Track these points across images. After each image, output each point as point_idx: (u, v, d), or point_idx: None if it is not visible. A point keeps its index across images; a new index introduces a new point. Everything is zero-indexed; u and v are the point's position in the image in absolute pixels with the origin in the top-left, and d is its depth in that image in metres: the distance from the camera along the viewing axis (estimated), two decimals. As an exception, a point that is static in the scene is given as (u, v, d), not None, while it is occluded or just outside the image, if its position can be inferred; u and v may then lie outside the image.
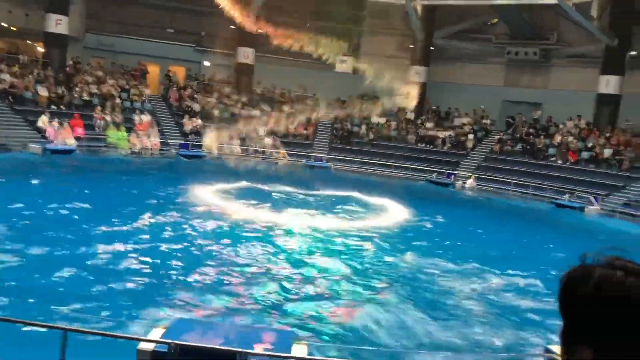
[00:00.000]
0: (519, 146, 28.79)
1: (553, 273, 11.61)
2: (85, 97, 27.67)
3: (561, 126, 28.82)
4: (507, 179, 26.38)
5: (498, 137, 29.93)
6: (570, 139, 27.43)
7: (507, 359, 7.71)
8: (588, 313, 0.96)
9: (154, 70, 34.23)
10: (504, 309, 9.28)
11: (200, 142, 28.32)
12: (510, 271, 11.59)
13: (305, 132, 31.44)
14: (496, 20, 32.59)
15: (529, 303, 9.65)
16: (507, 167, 27.65)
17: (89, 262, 9.36)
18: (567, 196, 23.79)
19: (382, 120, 32.25)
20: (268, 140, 29.75)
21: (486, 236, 15.89)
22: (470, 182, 26.24)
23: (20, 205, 12.90)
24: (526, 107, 32.07)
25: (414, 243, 13.52)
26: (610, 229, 19.16)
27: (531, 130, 29.46)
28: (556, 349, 5.82)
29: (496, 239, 15.44)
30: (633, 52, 27.69)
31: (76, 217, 12.54)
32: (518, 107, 32.25)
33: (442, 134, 30.73)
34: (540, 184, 25.59)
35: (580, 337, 0.98)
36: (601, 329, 0.95)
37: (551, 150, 27.67)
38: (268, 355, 4.99)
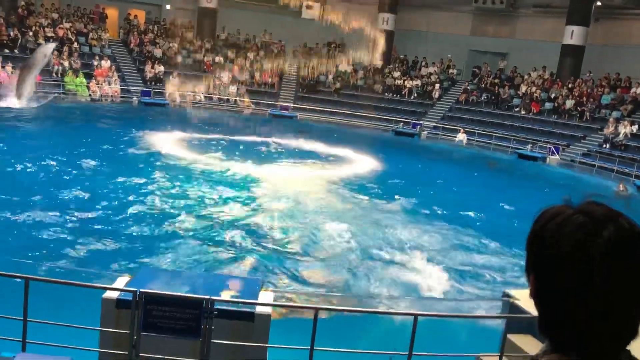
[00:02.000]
0: (484, 96, 29.00)
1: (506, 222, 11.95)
2: (41, 40, 26.45)
3: (526, 77, 29.06)
4: (471, 129, 26.66)
5: (464, 87, 30.05)
6: (534, 89, 27.75)
7: (467, 301, 7.95)
8: (533, 242, 1.04)
9: (112, 14, 32.81)
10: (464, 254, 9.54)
11: (162, 89, 27.62)
12: (465, 213, 11.85)
13: (270, 80, 30.92)
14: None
15: (488, 258, 9.92)
16: (472, 117, 27.91)
17: (52, 214, 9.17)
18: (529, 146, 24.26)
19: (349, 69, 31.92)
20: (232, 89, 29.18)
21: (451, 186, 16.13)
22: (460, 136, 26.02)
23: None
24: (492, 57, 32.14)
25: (372, 191, 13.66)
26: (568, 178, 19.70)
27: (496, 80, 29.65)
28: (514, 292, 6.03)
29: (458, 189, 15.71)
30: (598, 3, 27.82)
31: (34, 168, 12.20)
32: (484, 56, 32.29)
33: (409, 84, 30.66)
34: (504, 134, 25.97)
35: (529, 266, 1.05)
36: (537, 258, 1.03)
37: (515, 101, 27.99)
38: (235, 301, 5.01)
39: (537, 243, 1.03)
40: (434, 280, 8.19)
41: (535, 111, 26.95)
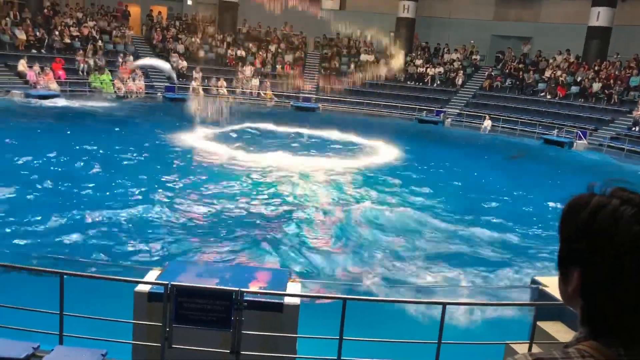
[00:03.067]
0: (508, 82, 28.60)
1: (538, 207, 11.83)
2: (66, 40, 26.91)
3: (551, 60, 28.54)
4: (496, 115, 26.32)
5: (487, 72, 29.66)
6: (560, 73, 27.25)
7: (496, 290, 7.91)
8: (581, 237, 1.00)
9: (135, 11, 33.18)
10: (491, 243, 9.48)
11: (186, 84, 27.87)
12: (494, 204, 11.76)
13: (292, 72, 30.93)
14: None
15: (515, 238, 9.85)
16: (497, 104, 27.56)
17: (85, 210, 9.37)
18: (555, 131, 23.87)
19: (371, 57, 31.74)
20: (255, 82, 29.29)
21: (473, 172, 15.99)
22: (485, 123, 25.75)
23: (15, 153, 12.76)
24: (516, 41, 31.62)
25: (398, 180, 13.61)
26: (596, 163, 19.36)
27: (520, 65, 29.19)
28: (543, 279, 5.98)
29: (482, 176, 15.56)
30: (625, -17, 27.16)
31: (66, 164, 12.45)
32: (508, 41, 31.79)
33: (431, 71, 30.38)
34: (529, 119, 25.58)
35: (573, 260, 1.02)
36: (590, 252, 0.99)
37: (540, 85, 27.54)
38: (264, 292, 5.07)
39: (586, 236, 1.00)
40: (459, 269, 8.17)
41: (561, 95, 26.49)
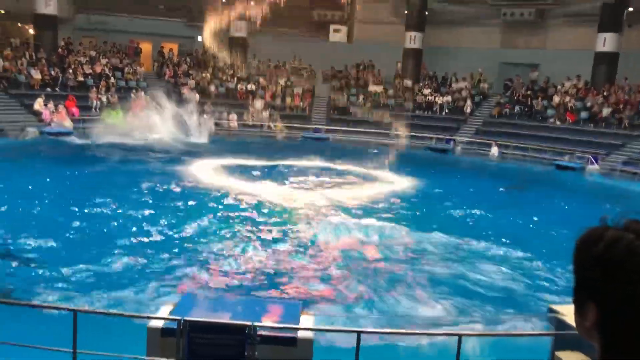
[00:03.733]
0: (517, 109, 28.66)
1: (554, 237, 11.71)
2: (80, 77, 27.45)
3: (559, 87, 28.61)
4: (506, 142, 26.30)
5: (496, 100, 29.76)
6: (569, 99, 27.28)
7: (511, 317, 7.79)
8: (597, 271, 1.01)
9: (146, 48, 33.87)
10: (507, 272, 9.36)
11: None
12: (509, 237, 11.65)
13: (301, 104, 31.24)
14: (490, -19, 32.09)
15: (531, 264, 9.73)
16: (507, 130, 27.56)
17: (96, 245, 9.42)
18: (567, 157, 23.78)
19: (379, 88, 32.01)
20: (265, 114, 29.58)
21: (487, 200, 15.90)
22: (493, 150, 25.85)
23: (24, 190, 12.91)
24: (524, 68, 31.78)
25: (418, 211, 13.55)
26: (611, 188, 19.21)
27: (529, 92, 29.28)
28: (560, 308, 5.89)
29: (497, 203, 15.47)
30: (630, 9, 27.34)
31: (80, 200, 12.56)
32: (515, 68, 31.96)
33: (439, 100, 30.54)
34: (540, 145, 25.51)
35: (589, 294, 1.02)
36: (606, 286, 1.00)
37: (550, 112, 27.54)
38: (277, 327, 5.04)
39: (602, 270, 1.00)
40: (472, 298, 8.07)
41: (570, 121, 26.47)
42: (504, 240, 11.23)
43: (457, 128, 29.10)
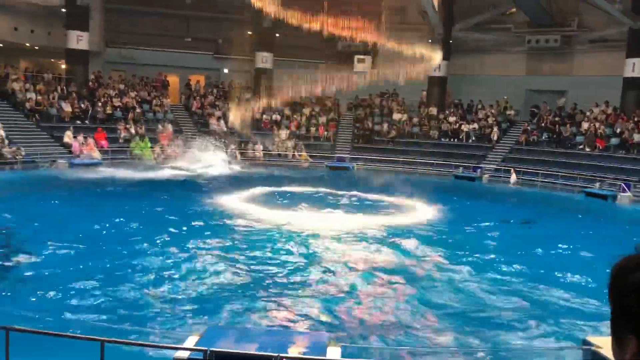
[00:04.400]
0: (545, 136, 28.35)
1: (590, 265, 11.43)
2: (109, 110, 28.10)
3: (588, 113, 28.25)
4: (534, 169, 25.97)
5: (523, 127, 29.51)
6: (598, 125, 26.89)
7: (544, 350, 7.55)
8: (633, 298, 0.97)
9: (174, 80, 34.63)
10: (540, 302, 9.12)
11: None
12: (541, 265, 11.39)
13: (326, 133, 31.41)
14: (514, 9, 32.13)
15: (566, 295, 9.46)
16: (534, 158, 27.24)
17: (123, 273, 9.47)
18: (597, 184, 23.31)
19: (404, 117, 32.05)
20: (289, 144, 29.80)
21: (519, 229, 15.63)
22: (512, 178, 25.64)
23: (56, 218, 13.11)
24: (550, 95, 31.55)
25: (450, 241, 13.35)
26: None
27: (557, 118, 28.96)
28: (595, 340, 5.69)
29: (530, 233, 15.18)
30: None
31: (114, 230, 12.71)
32: (542, 95, 31.75)
33: (465, 127, 30.41)
34: (569, 173, 25.10)
35: (629, 325, 0.98)
36: None
37: (578, 138, 27.16)
38: (303, 358, 4.96)
39: (638, 294, 0.97)
40: (504, 328, 7.85)
41: (600, 147, 26.04)
42: (531, 269, 10.97)
43: (484, 156, 28.87)
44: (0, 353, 4.70)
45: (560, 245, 13.25)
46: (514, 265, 11.12)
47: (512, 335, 7.72)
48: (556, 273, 10.71)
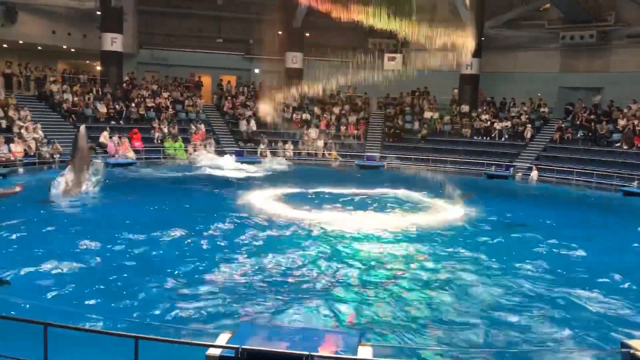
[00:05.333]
0: (580, 133, 27.75)
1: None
2: (142, 111, 28.59)
3: (625, 110, 27.54)
4: (569, 168, 25.45)
5: (557, 125, 28.94)
6: (636, 122, 26.19)
7: (580, 353, 7.39)
8: None
9: (206, 80, 35.05)
10: (574, 304, 8.93)
11: (254, 148, 28.80)
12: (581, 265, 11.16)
13: (356, 132, 31.36)
14: (548, 5, 31.53)
15: (602, 297, 9.24)
16: (569, 156, 26.70)
17: (160, 271, 9.63)
18: (635, 183, 22.70)
19: (435, 115, 31.77)
20: (320, 143, 29.86)
21: (560, 228, 15.31)
22: (533, 174, 25.35)
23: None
24: (585, 92, 30.87)
25: (489, 241, 13.17)
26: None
27: (592, 116, 28.31)
28: (635, 343, 5.55)
29: (566, 231, 14.86)
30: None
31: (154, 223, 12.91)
32: (576, 93, 31.09)
33: (498, 126, 29.99)
34: (605, 171, 24.52)
35: None
36: None
37: (615, 136, 26.51)
38: (334, 357, 4.96)
39: None
40: (541, 329, 7.71)
41: (638, 145, 25.35)
42: (570, 272, 10.75)
43: (517, 154, 28.42)
44: (39, 348, 4.83)
45: (605, 245, 12.95)
46: (556, 269, 10.91)
47: (547, 335, 7.58)
48: (599, 277, 10.45)
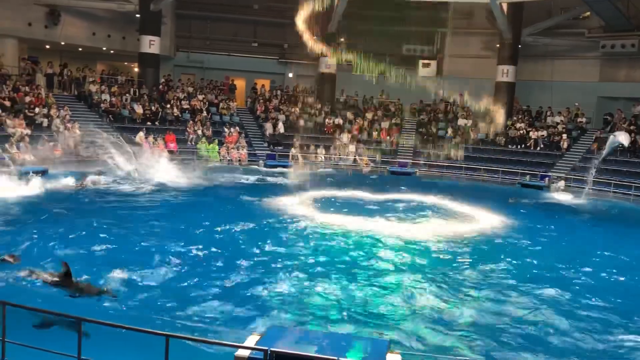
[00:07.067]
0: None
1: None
2: (177, 112, 29.01)
3: (667, 121, 26.76)
4: (607, 179, 24.82)
5: (595, 135, 28.28)
6: (678, 134, 25.43)
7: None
8: None
9: (240, 84, 35.42)
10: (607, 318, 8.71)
11: (286, 152, 28.92)
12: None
13: (389, 138, 31.20)
14: (588, 13, 30.87)
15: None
16: (607, 167, 26.03)
17: (192, 272, 9.74)
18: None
19: (469, 122, 31.40)
20: (352, 148, 29.80)
21: (597, 243, 14.97)
22: (560, 184, 24.88)
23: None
24: (625, 102, 30.09)
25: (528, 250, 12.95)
26: None
27: (632, 126, 27.58)
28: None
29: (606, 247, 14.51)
30: None
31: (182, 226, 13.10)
32: (616, 103, 30.33)
33: (534, 135, 29.47)
34: (644, 184, 23.85)
35: None
36: None
37: (656, 148, 25.77)
38: (362, 364, 4.93)
39: None
40: (573, 344, 7.54)
41: (680, 158, 24.61)
42: (597, 293, 10.49)
43: (553, 164, 27.87)
44: (72, 342, 4.93)
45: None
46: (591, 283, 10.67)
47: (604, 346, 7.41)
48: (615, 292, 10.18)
